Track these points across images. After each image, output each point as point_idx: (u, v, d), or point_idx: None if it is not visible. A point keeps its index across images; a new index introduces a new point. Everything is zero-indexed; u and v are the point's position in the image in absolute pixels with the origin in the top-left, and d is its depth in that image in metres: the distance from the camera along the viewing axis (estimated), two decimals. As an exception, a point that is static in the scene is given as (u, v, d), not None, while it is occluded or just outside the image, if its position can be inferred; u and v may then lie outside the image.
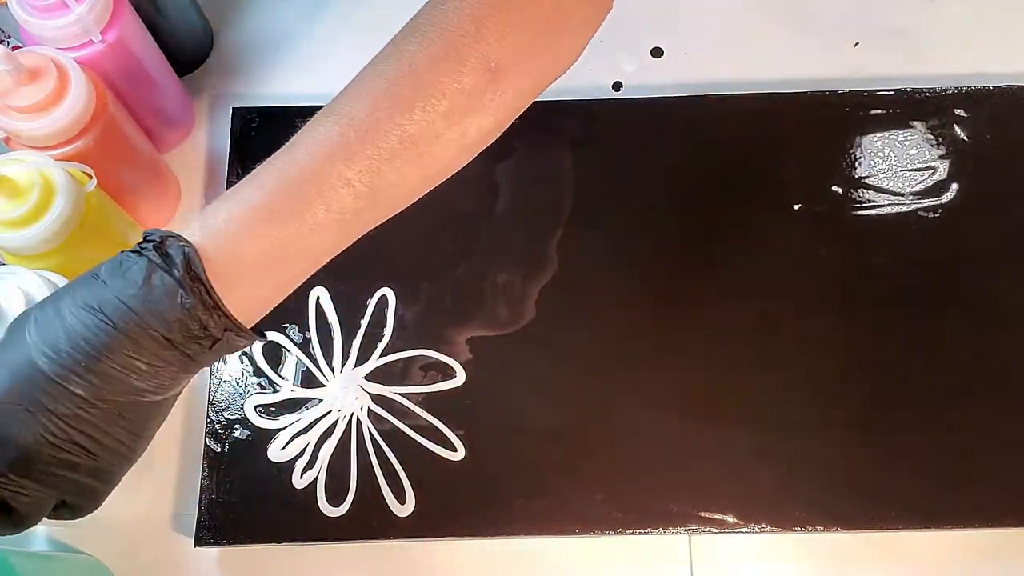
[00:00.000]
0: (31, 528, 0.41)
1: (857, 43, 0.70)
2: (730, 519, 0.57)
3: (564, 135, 0.65)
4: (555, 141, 0.65)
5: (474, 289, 0.62)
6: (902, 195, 0.64)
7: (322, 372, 0.60)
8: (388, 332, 0.61)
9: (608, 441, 0.58)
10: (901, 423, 0.58)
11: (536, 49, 0.44)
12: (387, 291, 0.62)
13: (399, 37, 0.45)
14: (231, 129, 0.66)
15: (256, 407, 0.59)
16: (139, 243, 0.40)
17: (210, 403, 0.60)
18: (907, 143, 0.65)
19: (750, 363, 0.60)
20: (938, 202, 0.63)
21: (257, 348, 0.61)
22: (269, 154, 0.65)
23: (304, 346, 0.61)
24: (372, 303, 0.62)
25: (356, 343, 0.61)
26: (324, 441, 0.59)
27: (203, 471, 0.58)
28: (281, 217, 0.41)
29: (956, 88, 0.66)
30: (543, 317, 0.61)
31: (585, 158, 0.65)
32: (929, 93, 0.66)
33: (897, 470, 0.57)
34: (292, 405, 0.60)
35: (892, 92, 0.66)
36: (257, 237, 0.40)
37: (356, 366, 0.60)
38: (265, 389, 0.60)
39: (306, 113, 0.66)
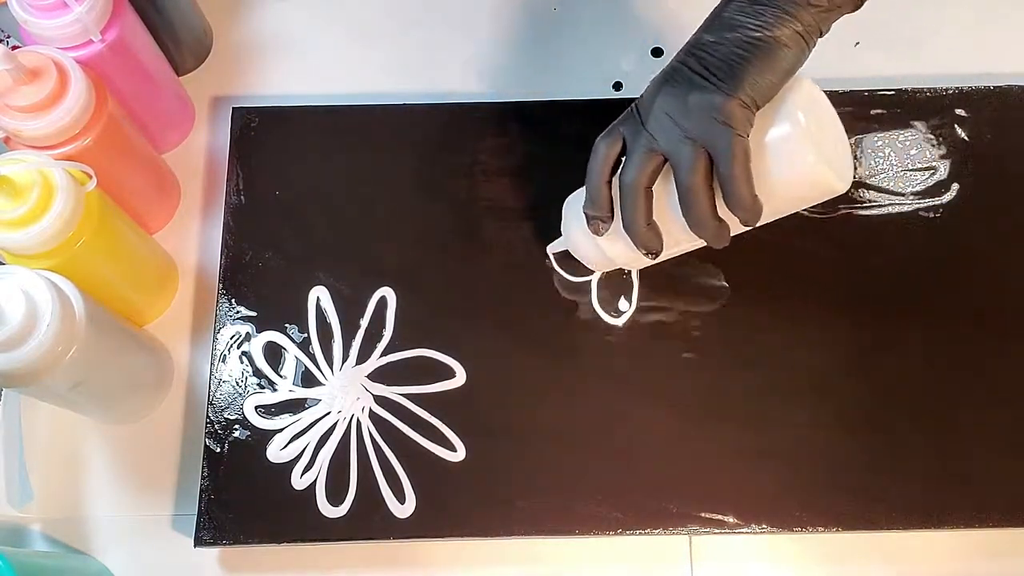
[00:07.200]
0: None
1: (857, 43, 0.70)
2: (730, 519, 0.57)
3: (564, 135, 0.65)
4: (555, 141, 0.65)
5: (474, 289, 0.62)
6: (903, 195, 0.64)
7: (321, 372, 0.60)
8: (388, 332, 0.61)
9: (608, 441, 0.58)
10: (901, 423, 0.58)
11: None
12: (387, 291, 0.62)
13: None
14: (231, 129, 0.66)
15: (256, 407, 0.59)
16: None
17: (210, 403, 0.60)
18: (908, 143, 0.65)
19: (750, 363, 0.60)
20: (939, 202, 0.63)
21: (257, 348, 0.61)
22: (269, 154, 0.65)
23: (304, 346, 0.61)
24: (372, 303, 0.62)
25: (356, 343, 0.61)
26: (324, 442, 0.59)
27: (203, 471, 0.58)
28: None
29: (956, 88, 0.66)
30: (543, 317, 0.61)
31: (585, 158, 0.65)
32: (929, 93, 0.66)
33: (897, 470, 0.57)
34: (292, 405, 0.60)
35: (892, 92, 0.66)
36: None
37: (356, 366, 0.60)
38: (264, 389, 0.60)
39: (306, 113, 0.67)
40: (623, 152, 0.51)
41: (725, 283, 0.62)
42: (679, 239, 0.52)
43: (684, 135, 0.48)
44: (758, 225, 0.49)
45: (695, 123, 0.47)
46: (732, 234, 0.50)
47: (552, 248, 0.61)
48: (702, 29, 0.50)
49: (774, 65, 0.47)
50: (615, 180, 0.51)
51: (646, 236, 0.51)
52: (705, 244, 0.51)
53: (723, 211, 0.48)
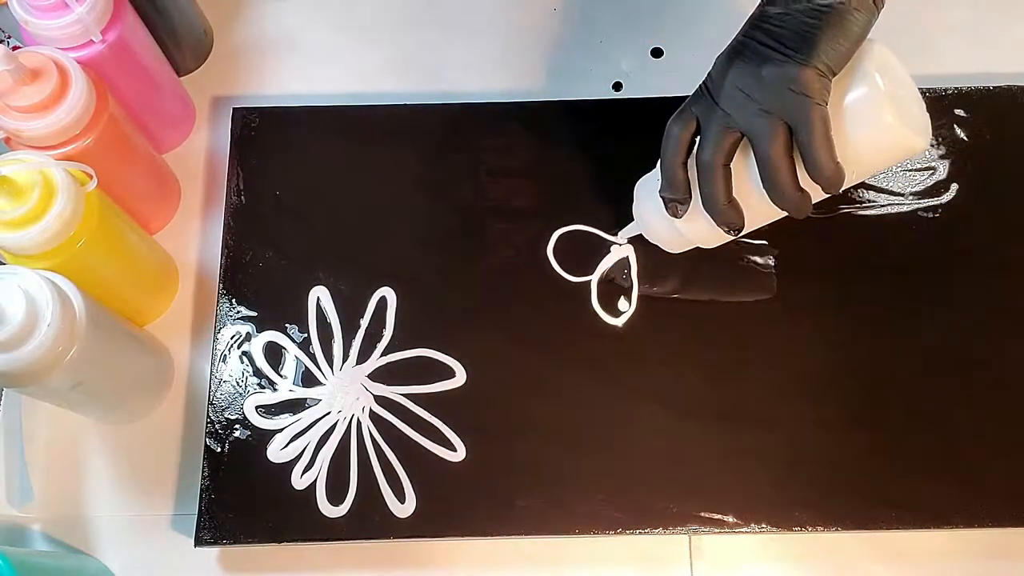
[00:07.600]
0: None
1: (857, 43, 0.70)
2: (730, 519, 0.57)
3: (564, 135, 0.65)
4: (555, 141, 0.65)
5: (474, 289, 0.62)
6: (902, 195, 0.64)
7: (322, 372, 0.60)
8: (388, 332, 0.61)
9: (608, 441, 0.58)
10: (901, 423, 0.58)
11: None
12: (387, 291, 0.62)
13: None
14: (231, 129, 0.66)
15: (256, 407, 0.59)
16: None
17: (210, 403, 0.60)
18: (907, 143, 0.65)
19: (750, 363, 0.60)
20: (938, 202, 0.63)
21: (257, 348, 0.61)
22: (269, 154, 0.65)
23: (304, 346, 0.61)
24: (372, 303, 0.62)
25: (356, 343, 0.61)
26: (324, 442, 0.59)
27: (203, 471, 0.58)
28: None
29: (956, 88, 0.66)
30: (543, 317, 0.61)
31: (585, 158, 0.65)
32: (929, 93, 0.66)
33: (897, 470, 0.57)
34: (292, 405, 0.60)
35: (892, 92, 0.66)
36: None
37: (356, 366, 0.60)
38: (265, 389, 0.60)
39: (306, 113, 0.67)
40: (696, 132, 0.52)
41: (724, 284, 0.62)
42: (759, 212, 0.52)
43: (760, 108, 0.48)
44: (841, 191, 0.49)
45: (771, 95, 0.47)
46: (813, 202, 0.50)
47: (624, 234, 0.61)
48: (764, 3, 0.49)
49: (846, 31, 0.47)
50: (690, 161, 0.52)
51: (728, 213, 0.51)
52: (784, 216, 0.51)
53: (804, 181, 0.49)
